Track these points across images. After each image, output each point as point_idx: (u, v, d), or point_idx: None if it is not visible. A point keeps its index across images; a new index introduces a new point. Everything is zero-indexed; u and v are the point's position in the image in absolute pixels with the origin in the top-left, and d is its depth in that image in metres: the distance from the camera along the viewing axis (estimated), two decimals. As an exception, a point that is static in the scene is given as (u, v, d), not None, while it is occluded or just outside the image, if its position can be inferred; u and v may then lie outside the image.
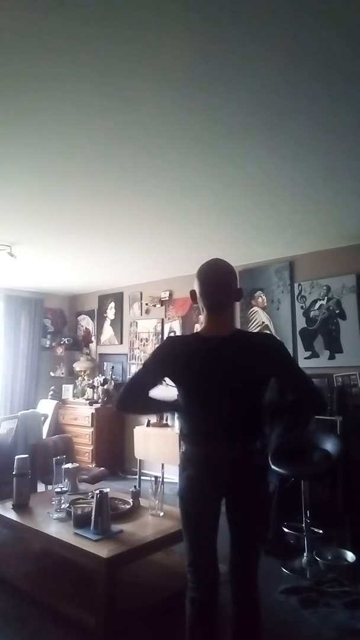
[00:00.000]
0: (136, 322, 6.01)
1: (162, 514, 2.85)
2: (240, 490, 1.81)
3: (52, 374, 6.44)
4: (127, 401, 1.93)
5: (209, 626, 1.81)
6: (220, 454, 1.80)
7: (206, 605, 1.82)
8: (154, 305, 5.77)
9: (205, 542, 1.86)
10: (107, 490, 2.66)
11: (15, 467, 3.06)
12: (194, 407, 1.89)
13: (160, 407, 2.06)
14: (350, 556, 3.12)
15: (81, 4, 1.41)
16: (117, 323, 6.26)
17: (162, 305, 5.69)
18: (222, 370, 1.81)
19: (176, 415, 2.14)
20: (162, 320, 5.70)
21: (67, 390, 6.26)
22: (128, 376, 6.02)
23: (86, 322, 6.73)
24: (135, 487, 3.30)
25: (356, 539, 3.32)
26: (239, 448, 1.81)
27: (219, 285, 1.89)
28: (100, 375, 6.18)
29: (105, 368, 6.28)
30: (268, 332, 4.65)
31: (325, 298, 4.23)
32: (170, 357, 1.89)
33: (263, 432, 1.90)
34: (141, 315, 5.95)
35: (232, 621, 1.83)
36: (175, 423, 4.58)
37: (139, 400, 1.93)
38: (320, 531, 3.34)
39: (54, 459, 3.33)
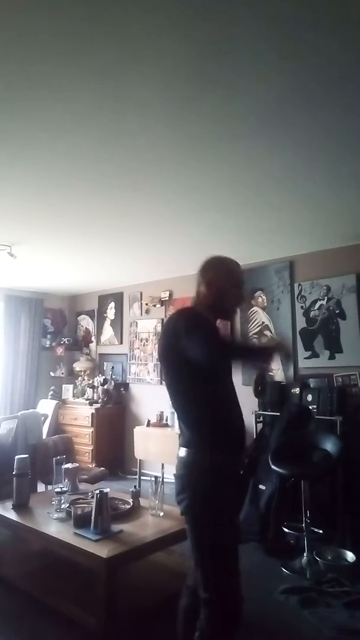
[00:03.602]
0: (136, 322, 6.01)
1: (162, 514, 2.85)
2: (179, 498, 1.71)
3: (52, 374, 6.44)
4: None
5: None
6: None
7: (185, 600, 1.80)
8: (154, 305, 5.77)
9: None
10: (107, 490, 2.65)
11: (15, 467, 3.06)
12: None
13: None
14: (350, 556, 3.12)
15: (81, 3, 1.41)
16: (117, 323, 6.26)
17: (162, 305, 5.69)
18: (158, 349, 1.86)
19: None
20: (162, 320, 5.70)
21: (67, 390, 6.26)
22: (128, 376, 6.03)
23: (86, 322, 6.73)
24: (135, 487, 3.30)
25: (356, 539, 3.32)
26: (182, 446, 1.73)
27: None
28: (100, 375, 6.18)
29: (105, 368, 6.28)
30: (267, 331, 4.65)
31: (325, 298, 4.23)
32: None
33: (200, 433, 1.70)
34: (141, 315, 5.95)
35: None
36: (175, 423, 4.58)
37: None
38: (320, 531, 3.34)
39: (54, 459, 3.33)
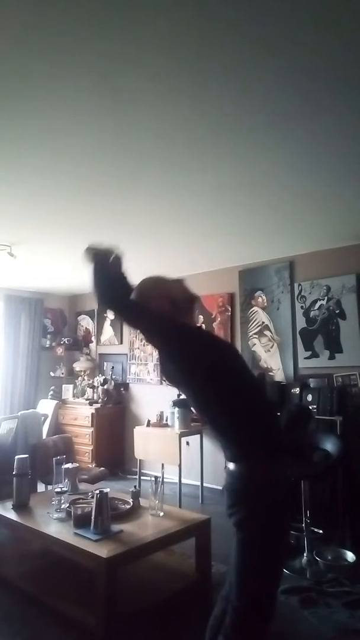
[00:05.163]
0: (136, 322, 6.00)
1: (162, 514, 2.85)
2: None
3: (52, 374, 6.44)
4: None
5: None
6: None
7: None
8: (154, 305, 5.76)
9: None
10: (107, 490, 2.65)
11: (15, 467, 3.06)
12: None
13: None
14: (350, 556, 3.12)
15: (82, 3, 1.41)
16: (117, 323, 6.25)
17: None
18: None
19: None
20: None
21: (67, 390, 6.26)
22: (128, 376, 6.02)
23: (86, 322, 6.73)
24: (135, 487, 3.30)
25: (356, 539, 3.32)
26: (230, 461, 1.70)
27: None
28: (100, 375, 6.18)
29: (105, 368, 6.28)
30: (267, 331, 4.65)
31: (325, 298, 4.23)
32: None
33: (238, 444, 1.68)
34: (141, 315, 5.93)
35: None
36: (175, 423, 4.57)
37: None
38: (320, 531, 3.35)
39: (54, 459, 3.33)
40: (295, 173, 2.64)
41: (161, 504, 2.89)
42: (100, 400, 5.82)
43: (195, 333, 1.85)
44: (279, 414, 3.85)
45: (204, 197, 3.03)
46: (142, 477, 4.77)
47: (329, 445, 3.30)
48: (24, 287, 6.18)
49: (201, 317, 5.27)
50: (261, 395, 1.81)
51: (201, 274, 5.30)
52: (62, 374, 6.47)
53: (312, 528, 3.26)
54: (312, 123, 2.09)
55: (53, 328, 6.73)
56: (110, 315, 6.37)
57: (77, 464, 3.65)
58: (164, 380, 1.85)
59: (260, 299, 4.75)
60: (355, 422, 3.70)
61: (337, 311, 4.15)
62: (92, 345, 6.59)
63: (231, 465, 1.67)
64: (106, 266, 1.84)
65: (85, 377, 6.29)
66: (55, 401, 5.79)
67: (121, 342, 6.18)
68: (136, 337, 5.98)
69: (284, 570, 3.01)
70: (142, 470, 4.85)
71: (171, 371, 1.82)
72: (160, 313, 1.77)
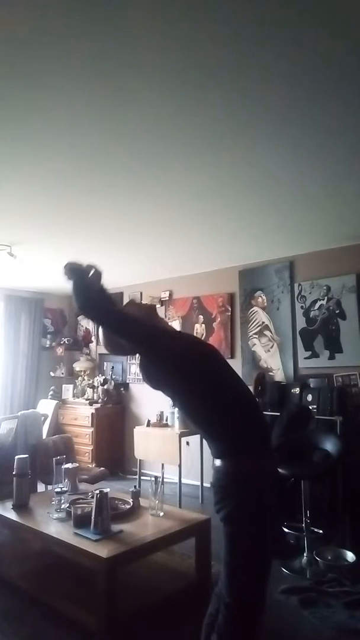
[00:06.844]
0: (136, 322, 6.00)
1: (162, 514, 2.85)
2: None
3: (52, 374, 6.44)
4: None
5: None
6: None
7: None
8: (154, 305, 5.76)
9: None
10: (107, 490, 2.65)
11: (15, 467, 3.06)
12: None
13: None
14: (350, 556, 3.12)
15: (83, 4, 1.41)
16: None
17: (162, 305, 5.69)
18: None
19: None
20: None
21: (67, 390, 6.26)
22: (128, 376, 6.02)
23: (86, 322, 6.72)
24: (135, 487, 3.30)
25: (356, 539, 3.32)
26: (216, 458, 1.75)
27: None
28: (100, 375, 6.18)
29: (105, 368, 6.28)
30: (267, 331, 4.65)
31: (325, 298, 4.23)
32: None
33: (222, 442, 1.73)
34: (141, 315, 5.92)
35: None
36: (175, 423, 4.57)
37: None
38: (320, 531, 3.34)
39: (54, 459, 3.33)
40: (296, 173, 2.64)
41: (161, 504, 2.90)
42: (100, 400, 5.82)
43: (177, 335, 1.93)
44: (277, 413, 3.86)
45: (204, 197, 3.03)
46: (142, 477, 4.77)
47: (329, 445, 3.29)
48: (24, 287, 6.18)
49: (201, 317, 5.27)
50: (244, 391, 1.84)
51: (201, 274, 5.30)
52: (62, 374, 6.47)
53: (312, 528, 3.26)
54: (312, 123, 2.09)
55: (53, 328, 6.73)
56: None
57: (77, 464, 3.65)
58: (146, 383, 1.90)
59: (260, 299, 4.75)
60: (355, 422, 3.70)
61: (337, 311, 4.15)
62: (92, 345, 6.59)
63: (217, 462, 1.71)
64: (86, 280, 1.92)
65: (85, 377, 6.29)
66: (55, 401, 5.79)
67: (121, 342, 6.17)
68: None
69: (284, 569, 3.01)
70: (142, 470, 4.85)
71: (153, 374, 1.86)
72: (142, 319, 1.88)
